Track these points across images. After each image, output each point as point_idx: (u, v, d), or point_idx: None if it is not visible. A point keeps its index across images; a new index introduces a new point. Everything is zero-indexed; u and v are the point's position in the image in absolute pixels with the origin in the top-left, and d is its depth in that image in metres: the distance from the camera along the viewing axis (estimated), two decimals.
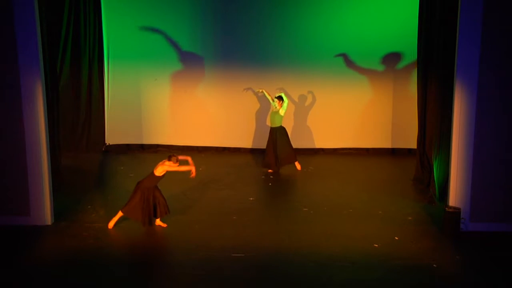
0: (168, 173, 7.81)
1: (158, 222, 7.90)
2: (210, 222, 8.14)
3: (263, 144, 12.14)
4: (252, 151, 12.19)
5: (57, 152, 9.80)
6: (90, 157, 11.75)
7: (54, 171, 9.09)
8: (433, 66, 9.03)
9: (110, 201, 8.79)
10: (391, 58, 11.68)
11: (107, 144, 12.31)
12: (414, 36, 9.96)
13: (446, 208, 7.70)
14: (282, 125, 10.74)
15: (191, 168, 7.88)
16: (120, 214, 7.82)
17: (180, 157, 7.88)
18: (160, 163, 7.73)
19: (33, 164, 7.81)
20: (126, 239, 7.56)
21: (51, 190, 8.07)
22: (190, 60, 12.05)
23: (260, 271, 6.63)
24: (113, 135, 12.33)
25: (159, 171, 7.69)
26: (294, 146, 11.51)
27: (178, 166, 7.74)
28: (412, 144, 10.83)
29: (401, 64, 11.61)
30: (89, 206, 8.71)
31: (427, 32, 9.18)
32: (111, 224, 7.84)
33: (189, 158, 7.98)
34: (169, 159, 7.72)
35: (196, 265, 6.77)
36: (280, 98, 10.58)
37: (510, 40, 7.42)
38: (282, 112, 10.56)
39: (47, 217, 7.97)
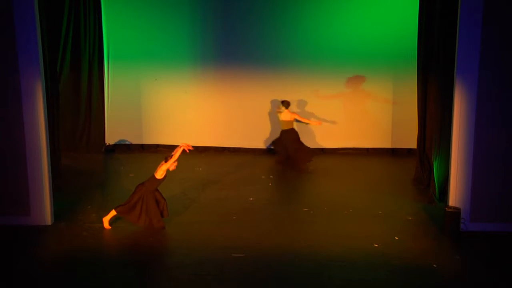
0: (169, 173, 7.82)
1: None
2: (210, 222, 8.13)
3: (263, 144, 12.19)
4: (252, 151, 12.20)
5: (57, 152, 9.80)
6: (90, 157, 11.76)
7: (54, 171, 9.09)
8: (433, 66, 9.03)
9: (110, 201, 8.78)
10: (391, 58, 11.68)
11: (107, 144, 12.32)
12: (414, 36, 9.96)
13: (446, 208, 7.70)
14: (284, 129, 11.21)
15: (181, 148, 7.83)
16: (113, 213, 7.82)
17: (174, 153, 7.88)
18: (159, 166, 7.74)
19: (33, 164, 7.80)
20: (126, 239, 7.56)
21: (51, 190, 8.06)
22: (190, 60, 12.06)
23: (260, 271, 6.63)
24: (113, 135, 12.34)
25: (160, 173, 7.70)
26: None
27: (171, 158, 7.72)
28: (412, 144, 10.83)
29: (401, 64, 11.60)
30: (89, 206, 8.71)
31: (427, 32, 9.18)
32: (106, 224, 7.82)
33: (178, 148, 7.92)
34: (166, 161, 7.74)
35: (196, 265, 6.77)
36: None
37: (510, 40, 7.42)
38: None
39: (47, 217, 7.97)
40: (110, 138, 12.35)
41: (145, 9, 11.89)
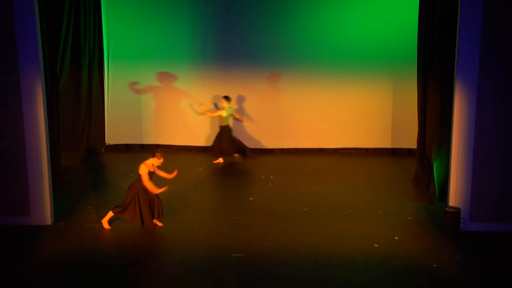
0: (169, 173, 7.83)
1: (154, 221, 7.90)
2: (210, 222, 8.14)
3: (262, 144, 12.18)
4: (251, 151, 12.19)
5: (57, 152, 9.80)
6: (90, 157, 11.76)
7: (54, 171, 9.09)
8: (433, 66, 9.04)
9: (110, 201, 8.79)
10: (391, 58, 11.68)
11: (107, 144, 12.32)
12: (414, 36, 9.97)
13: (446, 208, 7.70)
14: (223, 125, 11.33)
15: (172, 176, 7.93)
16: (111, 214, 7.82)
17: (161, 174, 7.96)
18: (143, 162, 7.74)
19: (33, 164, 7.81)
20: (126, 239, 7.56)
21: (51, 190, 8.07)
22: (190, 60, 12.05)
23: (260, 271, 6.63)
24: (113, 135, 12.34)
25: (143, 169, 7.68)
26: (295, 146, 11.84)
27: (159, 171, 7.81)
28: (412, 144, 10.83)
29: (401, 64, 11.61)
30: (89, 206, 8.71)
31: (427, 32, 9.18)
32: (105, 224, 7.83)
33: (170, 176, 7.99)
34: (153, 155, 7.73)
35: (196, 265, 6.77)
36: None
37: (510, 40, 7.42)
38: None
39: (47, 217, 7.97)
40: (110, 138, 12.35)
41: (145, 9, 11.89)
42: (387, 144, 12.11)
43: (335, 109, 12.04)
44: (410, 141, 11.29)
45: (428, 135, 9.37)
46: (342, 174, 10.68)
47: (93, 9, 11.73)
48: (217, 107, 11.80)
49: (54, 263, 6.91)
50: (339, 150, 12.21)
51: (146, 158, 7.83)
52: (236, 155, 11.37)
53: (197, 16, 11.87)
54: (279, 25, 11.80)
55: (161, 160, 7.78)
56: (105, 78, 12.11)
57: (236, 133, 12.19)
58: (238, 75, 12.03)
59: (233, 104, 11.83)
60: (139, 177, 7.75)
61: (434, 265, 6.76)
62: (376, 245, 7.30)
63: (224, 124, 11.26)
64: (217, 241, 7.44)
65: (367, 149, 12.19)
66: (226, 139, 11.25)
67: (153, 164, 7.76)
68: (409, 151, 11.84)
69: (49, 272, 6.66)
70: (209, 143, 12.31)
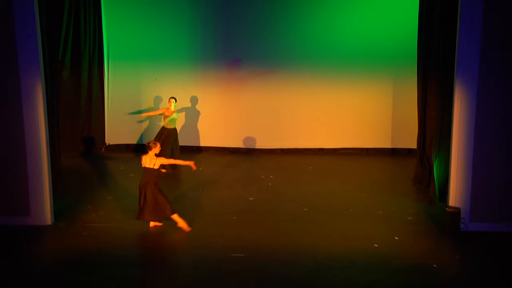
0: (169, 173, 7.81)
1: (153, 222, 7.90)
2: (210, 222, 8.13)
3: (262, 144, 12.19)
4: (251, 151, 12.21)
5: (57, 152, 9.80)
6: (90, 157, 11.76)
7: (54, 171, 9.08)
8: (433, 66, 9.03)
9: (110, 201, 8.79)
10: (391, 58, 11.69)
11: (107, 144, 12.32)
12: (414, 36, 9.97)
13: (446, 208, 7.70)
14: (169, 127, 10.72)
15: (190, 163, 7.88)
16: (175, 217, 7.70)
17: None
18: (149, 157, 7.71)
19: (33, 164, 7.80)
20: (126, 239, 7.56)
21: (51, 190, 8.06)
22: (190, 60, 12.07)
23: (260, 271, 6.63)
24: (113, 135, 12.34)
25: (157, 163, 7.67)
26: (295, 146, 11.79)
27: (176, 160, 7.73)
28: (412, 144, 10.84)
29: (401, 64, 11.62)
30: (89, 206, 8.71)
31: (427, 32, 9.19)
32: (183, 225, 7.68)
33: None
34: (150, 149, 7.68)
35: (196, 265, 6.77)
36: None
37: (510, 40, 7.42)
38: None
39: (47, 217, 7.97)
40: (110, 138, 12.36)
41: (145, 9, 11.91)
42: (387, 144, 12.12)
43: (335, 109, 12.05)
44: (410, 141, 11.29)
45: (428, 135, 9.37)
46: (342, 174, 10.68)
47: (93, 9, 11.75)
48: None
49: (54, 263, 6.90)
50: (339, 150, 12.22)
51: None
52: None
53: (197, 16, 11.88)
54: (279, 26, 11.81)
55: (158, 144, 7.77)
56: (105, 78, 12.12)
57: (236, 133, 12.21)
58: (238, 75, 12.04)
59: (231, 103, 11.83)
60: (151, 173, 7.73)
61: (434, 265, 6.75)
62: (376, 245, 7.30)
63: (171, 126, 10.64)
64: (217, 241, 7.44)
65: (367, 149, 12.20)
66: (171, 142, 10.60)
67: (155, 154, 7.75)
68: (409, 151, 11.84)
69: (49, 272, 6.65)
70: (209, 142, 12.34)
